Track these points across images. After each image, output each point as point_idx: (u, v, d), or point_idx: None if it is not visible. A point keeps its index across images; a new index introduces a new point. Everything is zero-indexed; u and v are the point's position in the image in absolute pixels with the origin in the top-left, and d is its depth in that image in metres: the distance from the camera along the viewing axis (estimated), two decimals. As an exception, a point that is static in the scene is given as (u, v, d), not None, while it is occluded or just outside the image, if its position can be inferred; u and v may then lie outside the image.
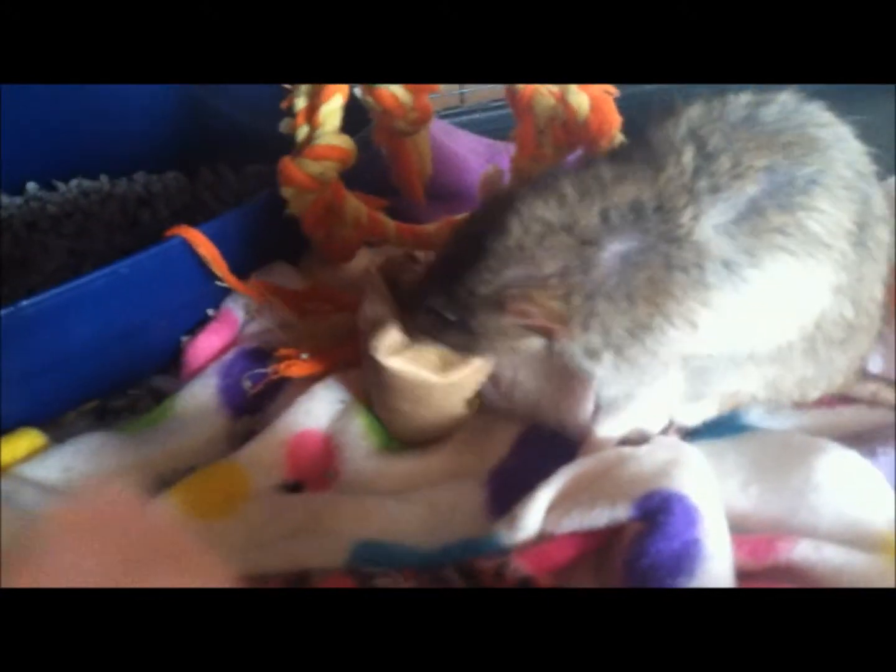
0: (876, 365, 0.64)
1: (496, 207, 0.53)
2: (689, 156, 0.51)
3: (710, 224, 0.50)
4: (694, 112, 0.53)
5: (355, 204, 0.72)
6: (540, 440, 0.60)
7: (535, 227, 0.51)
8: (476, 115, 1.02)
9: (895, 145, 0.76)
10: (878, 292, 0.58)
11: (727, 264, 0.50)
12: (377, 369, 0.59)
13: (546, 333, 0.53)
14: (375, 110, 0.74)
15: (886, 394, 0.62)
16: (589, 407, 0.59)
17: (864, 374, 0.62)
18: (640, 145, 0.54)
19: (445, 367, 0.59)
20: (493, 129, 0.91)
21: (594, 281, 0.50)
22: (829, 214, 0.52)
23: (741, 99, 0.54)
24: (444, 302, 0.54)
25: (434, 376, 0.59)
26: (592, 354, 0.53)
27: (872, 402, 0.62)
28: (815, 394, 0.60)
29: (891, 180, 0.74)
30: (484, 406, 0.63)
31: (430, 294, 0.55)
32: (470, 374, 0.60)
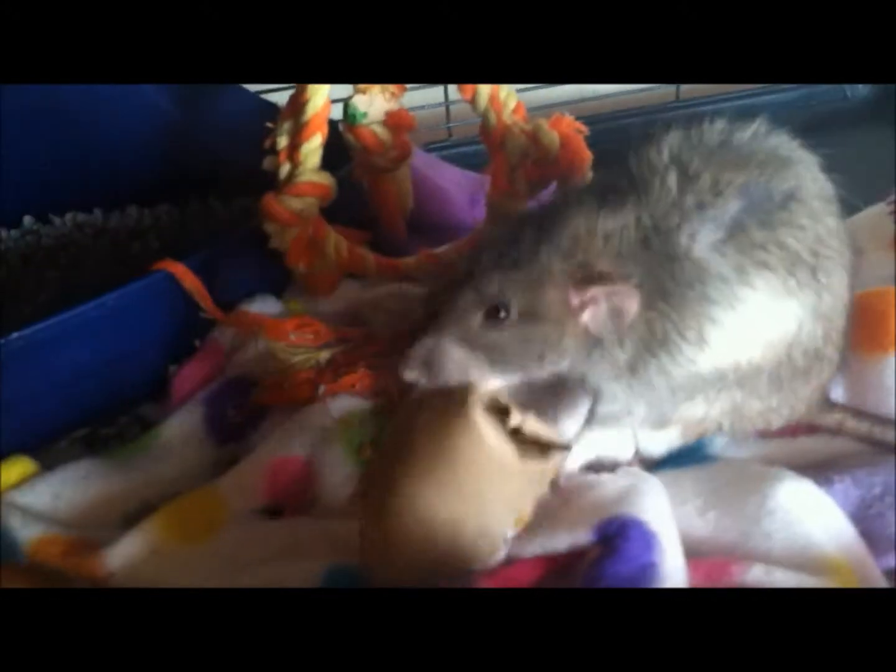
0: (838, 394, 0.65)
1: (561, 202, 0.56)
2: (672, 178, 0.54)
3: (704, 243, 0.53)
4: (673, 139, 0.56)
5: (336, 238, 0.74)
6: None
7: (583, 228, 0.53)
8: (463, 149, 1.04)
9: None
10: (840, 320, 0.59)
11: (724, 280, 0.53)
12: (452, 433, 0.49)
13: (619, 314, 0.52)
14: (355, 147, 0.76)
15: (851, 423, 0.63)
16: None
17: (828, 404, 0.64)
18: (623, 174, 0.56)
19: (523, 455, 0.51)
20: (481, 162, 0.93)
21: (629, 291, 0.52)
22: (808, 231, 0.55)
23: (717, 125, 0.57)
24: (504, 283, 0.52)
25: (516, 456, 0.50)
26: (617, 373, 0.54)
27: (836, 432, 0.64)
28: (777, 423, 0.61)
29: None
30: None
31: (484, 280, 0.52)
32: (547, 469, 0.52)
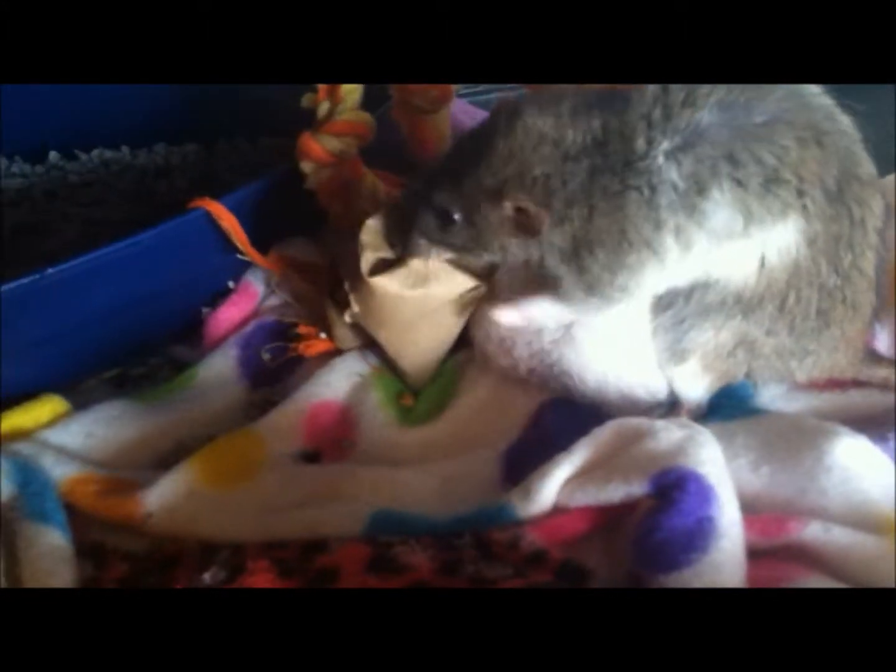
0: (884, 348, 0.65)
1: (500, 118, 0.57)
2: (651, 89, 0.55)
3: (661, 150, 0.54)
4: None
5: (372, 180, 0.73)
6: (556, 415, 0.61)
7: (532, 136, 0.56)
8: (494, 95, 1.02)
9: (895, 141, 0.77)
10: (867, 264, 0.59)
11: (676, 188, 0.54)
12: (365, 289, 0.63)
13: (531, 230, 0.56)
14: (396, 87, 0.74)
15: None
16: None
17: (872, 358, 0.63)
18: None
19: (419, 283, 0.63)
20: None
21: (569, 191, 0.55)
22: (792, 151, 0.54)
23: None
24: (450, 198, 0.58)
25: (406, 289, 0.62)
26: (562, 258, 0.57)
27: (884, 387, 0.63)
28: (798, 370, 0.61)
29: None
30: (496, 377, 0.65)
31: (435, 194, 0.58)
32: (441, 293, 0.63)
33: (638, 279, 0.57)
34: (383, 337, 0.66)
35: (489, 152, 0.56)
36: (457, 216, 0.58)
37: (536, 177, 0.55)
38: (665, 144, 0.54)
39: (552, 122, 0.56)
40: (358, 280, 0.63)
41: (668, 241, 0.55)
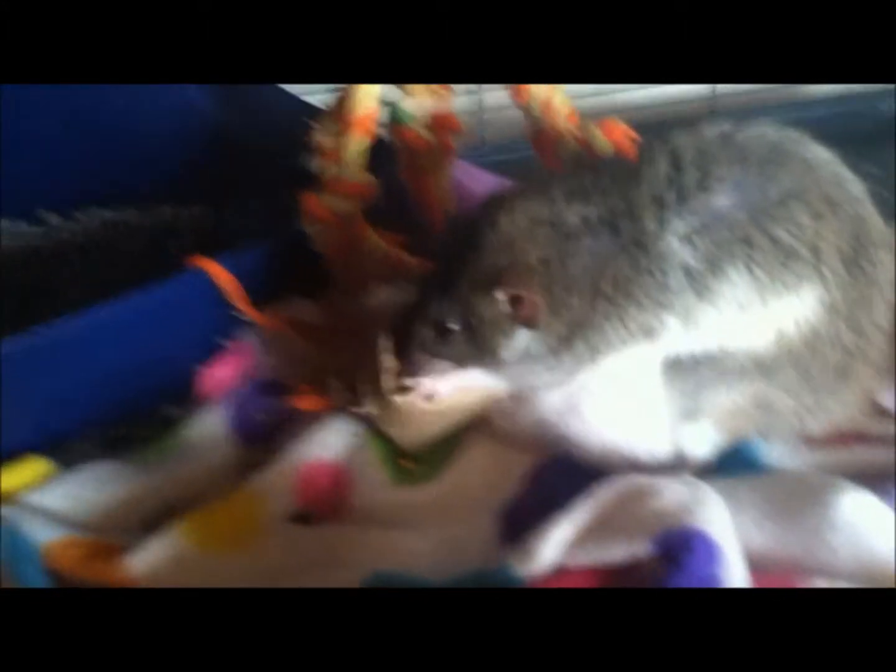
0: (891, 402, 0.63)
1: (486, 210, 0.57)
2: (663, 168, 0.54)
3: (674, 233, 0.54)
4: (677, 133, 0.57)
5: (376, 240, 0.73)
6: (555, 474, 0.60)
7: (522, 222, 0.55)
8: (497, 157, 1.02)
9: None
10: (882, 319, 0.58)
11: (688, 271, 0.54)
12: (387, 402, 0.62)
13: (530, 320, 0.55)
14: (399, 147, 0.75)
15: None
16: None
17: (879, 412, 0.63)
18: (625, 161, 0.58)
19: None
20: (515, 170, 0.91)
21: (570, 274, 0.54)
22: (807, 228, 0.54)
23: (722, 124, 0.58)
24: (446, 306, 0.56)
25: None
26: (552, 344, 0.56)
27: (889, 441, 0.61)
28: (814, 426, 0.60)
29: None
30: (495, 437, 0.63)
31: (429, 305, 0.57)
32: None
33: (619, 357, 0.56)
34: (396, 433, 0.64)
35: (478, 248, 0.55)
36: (453, 325, 0.56)
37: (533, 264, 0.54)
38: (681, 227, 0.53)
39: (546, 204, 0.55)
40: (379, 393, 0.62)
41: (672, 323, 0.55)
